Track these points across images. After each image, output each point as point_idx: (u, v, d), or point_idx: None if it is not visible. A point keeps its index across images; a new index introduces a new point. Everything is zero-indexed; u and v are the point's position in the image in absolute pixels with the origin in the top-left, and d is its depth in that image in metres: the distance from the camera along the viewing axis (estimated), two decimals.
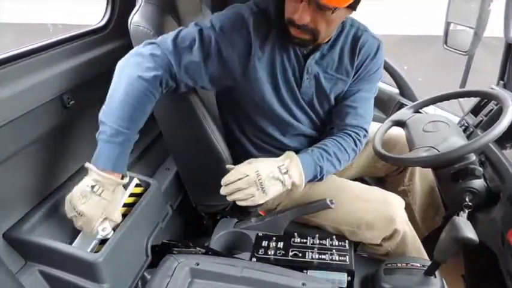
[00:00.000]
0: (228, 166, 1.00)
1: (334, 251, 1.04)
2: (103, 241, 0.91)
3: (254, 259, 1.03)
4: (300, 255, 1.04)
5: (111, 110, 0.87)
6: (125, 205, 0.99)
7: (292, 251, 1.05)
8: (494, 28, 1.40)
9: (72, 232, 0.94)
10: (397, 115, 1.27)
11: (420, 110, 1.33)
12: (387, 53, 1.17)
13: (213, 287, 0.89)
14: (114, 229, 0.92)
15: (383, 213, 1.06)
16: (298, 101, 1.08)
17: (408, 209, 1.22)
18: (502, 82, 1.40)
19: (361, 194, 1.12)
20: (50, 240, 0.88)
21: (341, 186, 1.15)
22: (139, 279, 1.03)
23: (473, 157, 1.03)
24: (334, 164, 1.06)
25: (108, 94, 0.89)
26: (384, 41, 1.12)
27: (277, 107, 1.06)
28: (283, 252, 1.05)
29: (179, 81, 0.96)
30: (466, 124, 1.33)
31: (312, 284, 0.88)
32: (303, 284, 0.87)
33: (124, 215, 0.96)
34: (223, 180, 0.96)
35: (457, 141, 1.04)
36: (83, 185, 0.85)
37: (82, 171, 1.02)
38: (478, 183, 1.04)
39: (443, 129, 1.11)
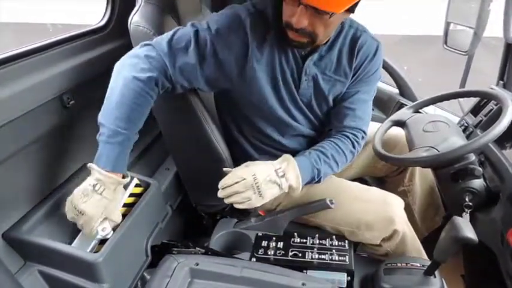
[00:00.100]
0: (225, 169, 1.00)
1: (333, 251, 1.04)
2: (103, 241, 0.91)
3: (254, 259, 1.03)
4: (300, 255, 1.04)
5: (109, 111, 0.88)
6: (124, 205, 0.99)
7: (292, 251, 1.05)
8: (494, 28, 1.40)
9: (71, 232, 0.94)
10: (397, 115, 1.27)
11: (420, 110, 1.33)
12: (387, 53, 1.17)
13: (213, 287, 0.89)
14: (113, 229, 0.92)
15: (382, 214, 1.06)
16: (296, 102, 1.08)
17: (408, 209, 1.22)
18: (501, 82, 1.40)
19: (361, 194, 1.12)
20: (49, 241, 0.89)
21: (341, 186, 1.15)
22: (139, 279, 1.03)
23: (472, 157, 1.03)
24: (331, 166, 1.06)
25: (106, 96, 0.91)
26: (384, 41, 1.12)
27: (277, 108, 1.06)
28: (283, 252, 1.05)
29: (175, 82, 0.96)
30: (466, 124, 1.33)
31: (312, 284, 0.88)
32: (303, 284, 0.87)
33: (124, 215, 0.96)
34: (221, 183, 0.96)
35: (457, 141, 1.05)
36: (85, 184, 0.86)
37: (82, 171, 1.02)
38: (478, 183, 1.04)
39: (443, 129, 1.11)
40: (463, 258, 1.33)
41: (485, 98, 1.30)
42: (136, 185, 1.04)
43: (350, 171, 1.34)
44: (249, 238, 1.10)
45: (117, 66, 0.93)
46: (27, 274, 0.88)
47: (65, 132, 1.05)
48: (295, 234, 1.10)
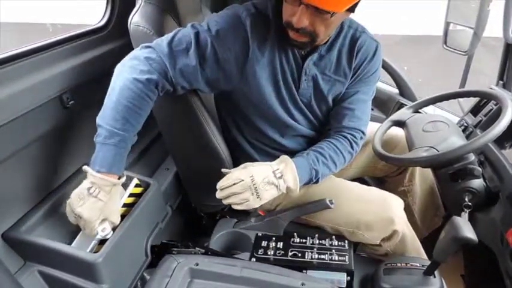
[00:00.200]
0: (223, 170, 1.01)
1: (333, 251, 1.04)
2: (102, 241, 0.91)
3: (253, 259, 1.03)
4: (300, 255, 1.04)
5: (106, 113, 0.88)
6: (124, 205, 0.99)
7: (291, 251, 1.05)
8: (494, 28, 1.40)
9: (71, 232, 0.94)
10: (397, 115, 1.27)
11: (420, 110, 1.33)
12: (387, 53, 1.17)
13: (213, 287, 0.89)
14: (113, 229, 0.92)
15: (382, 214, 1.06)
16: (296, 102, 1.08)
17: (408, 209, 1.22)
18: (501, 82, 1.40)
19: (361, 194, 1.12)
20: (49, 241, 0.89)
21: (340, 186, 1.15)
22: (139, 279, 1.03)
23: (472, 157, 1.03)
24: (329, 167, 1.06)
25: (105, 97, 0.91)
26: (384, 41, 1.12)
27: (277, 108, 1.06)
28: (283, 252, 1.05)
29: (175, 84, 0.96)
30: (466, 124, 1.33)
31: (312, 284, 0.88)
32: (303, 284, 0.87)
33: (124, 215, 0.96)
34: (219, 185, 0.96)
35: (457, 141, 1.05)
36: (81, 187, 0.86)
37: (81, 172, 1.02)
38: (477, 183, 1.04)
39: (442, 129, 1.11)
40: (463, 258, 1.34)
41: (484, 98, 1.30)
42: (136, 185, 1.04)
43: (350, 171, 1.34)
44: (249, 238, 1.10)
45: (118, 68, 0.93)
46: (27, 274, 0.88)
47: (64, 133, 1.05)
48: (295, 234, 1.10)
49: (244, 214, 1.16)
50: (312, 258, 1.03)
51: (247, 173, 0.96)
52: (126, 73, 0.91)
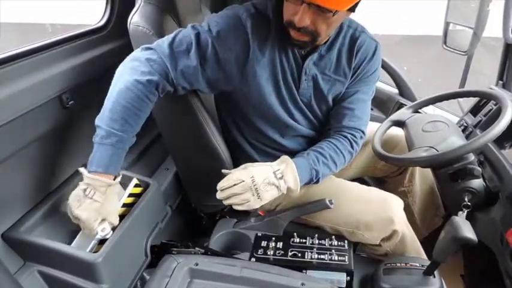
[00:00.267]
0: (224, 171, 1.01)
1: (333, 251, 1.04)
2: (102, 241, 0.91)
3: (253, 259, 1.03)
4: (299, 255, 1.04)
5: (105, 113, 0.89)
6: (124, 205, 0.99)
7: (291, 251, 1.05)
8: (493, 28, 1.40)
9: (71, 232, 0.94)
10: (397, 115, 1.27)
11: (419, 110, 1.33)
12: (387, 53, 1.17)
13: (212, 287, 0.89)
14: (113, 229, 0.92)
15: (382, 214, 1.06)
16: (297, 102, 1.08)
17: (408, 209, 1.22)
18: (501, 82, 1.40)
19: (360, 194, 1.12)
20: (48, 241, 0.89)
21: (340, 187, 1.15)
22: (139, 279, 1.03)
23: (472, 157, 1.03)
24: (330, 167, 1.06)
25: (105, 99, 0.91)
26: (384, 41, 1.12)
27: (277, 108, 1.06)
28: (283, 252, 1.05)
29: (177, 85, 0.96)
30: (465, 124, 1.33)
31: (311, 284, 0.88)
32: (302, 284, 0.87)
33: (123, 215, 0.96)
34: (219, 186, 0.96)
35: (456, 141, 1.05)
36: (77, 189, 0.87)
37: (80, 173, 1.02)
38: (477, 183, 1.04)
39: (442, 129, 1.11)
40: (463, 258, 1.33)
41: (484, 98, 1.30)
42: (136, 185, 1.05)
43: (350, 171, 1.34)
44: (249, 238, 1.10)
45: (118, 69, 0.93)
46: (27, 274, 0.88)
47: (64, 133, 1.05)
48: (295, 234, 1.10)
49: (244, 214, 1.16)
50: (311, 258, 1.03)
51: (248, 174, 0.96)
52: (126, 74, 0.91)
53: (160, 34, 1.02)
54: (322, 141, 1.09)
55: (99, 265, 0.86)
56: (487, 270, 1.15)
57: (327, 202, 1.06)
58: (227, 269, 0.90)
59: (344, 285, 0.99)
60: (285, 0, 0.92)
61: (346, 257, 1.03)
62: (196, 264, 0.91)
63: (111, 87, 0.91)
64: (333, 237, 1.09)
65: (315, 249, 1.05)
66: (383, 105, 1.80)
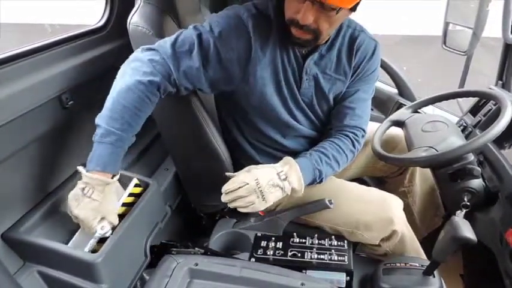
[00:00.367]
0: (228, 174, 1.01)
1: (333, 251, 1.04)
2: (102, 240, 0.91)
3: (253, 259, 1.03)
4: (299, 255, 1.04)
5: (106, 113, 0.89)
6: (124, 205, 0.99)
7: (291, 251, 1.05)
8: (493, 28, 1.40)
9: (71, 232, 0.94)
10: (396, 115, 1.27)
11: (419, 110, 1.33)
12: (387, 54, 1.17)
13: (212, 287, 0.89)
14: (113, 229, 0.91)
15: (381, 214, 1.06)
16: (298, 102, 1.08)
17: (408, 209, 1.22)
18: (500, 82, 1.40)
19: (360, 195, 1.12)
20: (48, 241, 0.88)
21: (340, 187, 1.15)
22: (138, 279, 1.03)
23: (471, 157, 1.04)
24: (332, 166, 1.06)
25: (107, 99, 0.91)
26: (384, 41, 1.12)
27: (279, 109, 1.06)
28: (282, 252, 1.05)
29: (179, 85, 0.96)
30: (465, 124, 1.33)
31: (311, 284, 0.88)
32: (302, 284, 0.87)
33: (123, 215, 0.96)
34: (224, 188, 0.96)
35: (456, 141, 1.05)
36: (76, 188, 0.87)
37: (79, 173, 1.02)
38: (477, 183, 1.04)
39: (442, 129, 1.11)
40: (462, 258, 1.34)
41: (484, 98, 1.30)
42: (136, 185, 1.04)
43: (350, 171, 1.34)
44: (248, 238, 1.10)
45: (121, 70, 0.94)
46: (26, 274, 0.88)
47: (63, 133, 1.05)
48: (295, 234, 1.10)
49: (243, 214, 1.15)
50: (311, 258, 1.03)
51: (252, 176, 0.96)
52: (128, 75, 0.91)
53: (160, 34, 1.02)
54: (324, 141, 1.10)
55: (99, 265, 0.86)
56: (486, 270, 1.15)
57: (327, 202, 1.06)
58: (227, 269, 0.90)
59: (344, 285, 0.99)
60: None
61: (346, 257, 1.03)
62: (196, 265, 0.91)
63: (112, 87, 0.91)
64: (333, 237, 1.09)
65: (314, 249, 1.05)
66: (382, 105, 1.81)
